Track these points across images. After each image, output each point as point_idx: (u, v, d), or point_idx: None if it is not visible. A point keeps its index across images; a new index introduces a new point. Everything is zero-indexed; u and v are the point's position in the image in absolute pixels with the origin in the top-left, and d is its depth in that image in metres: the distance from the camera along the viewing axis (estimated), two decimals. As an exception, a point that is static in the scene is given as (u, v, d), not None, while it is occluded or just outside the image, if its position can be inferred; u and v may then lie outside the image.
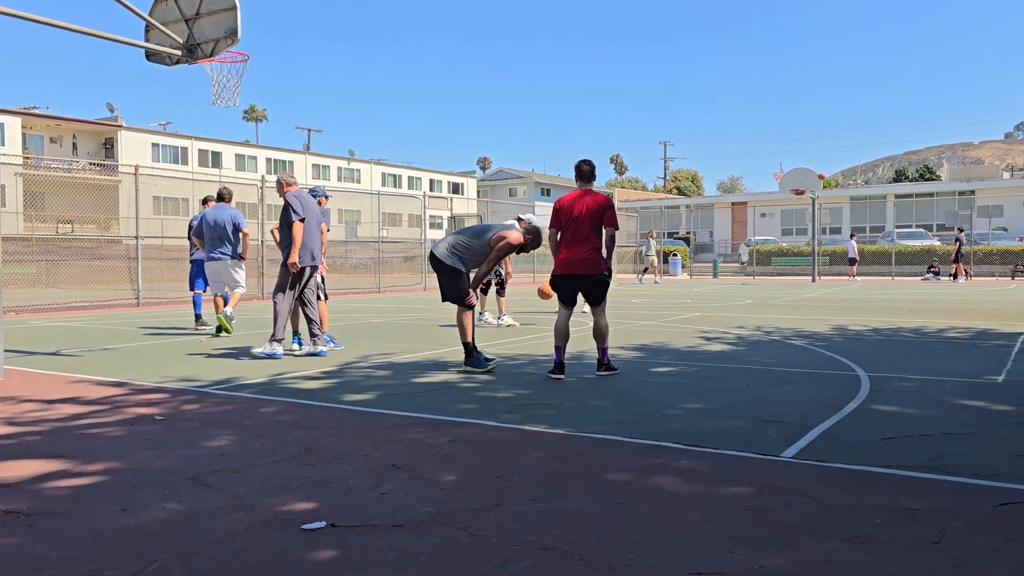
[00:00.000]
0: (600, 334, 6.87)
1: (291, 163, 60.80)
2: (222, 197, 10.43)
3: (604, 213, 6.75)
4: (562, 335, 6.86)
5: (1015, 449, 4.21)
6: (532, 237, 7.40)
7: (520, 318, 12.59)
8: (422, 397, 5.86)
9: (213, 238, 10.20)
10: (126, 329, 11.49)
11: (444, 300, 7.32)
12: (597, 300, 6.92)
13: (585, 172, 6.98)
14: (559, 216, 6.87)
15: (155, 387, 6.40)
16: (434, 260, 7.30)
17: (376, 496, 3.48)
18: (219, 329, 10.09)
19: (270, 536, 3.00)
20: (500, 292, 11.84)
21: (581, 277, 6.82)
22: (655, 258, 30.64)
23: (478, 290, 8.46)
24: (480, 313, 11.51)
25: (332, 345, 8.72)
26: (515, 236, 7.24)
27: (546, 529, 3.05)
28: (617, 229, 6.93)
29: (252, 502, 3.40)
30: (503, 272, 11.82)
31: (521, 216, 9.46)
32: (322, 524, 3.10)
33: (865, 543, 2.88)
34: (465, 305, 7.15)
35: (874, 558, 2.75)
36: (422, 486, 3.62)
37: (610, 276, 6.91)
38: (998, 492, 3.47)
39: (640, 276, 31.39)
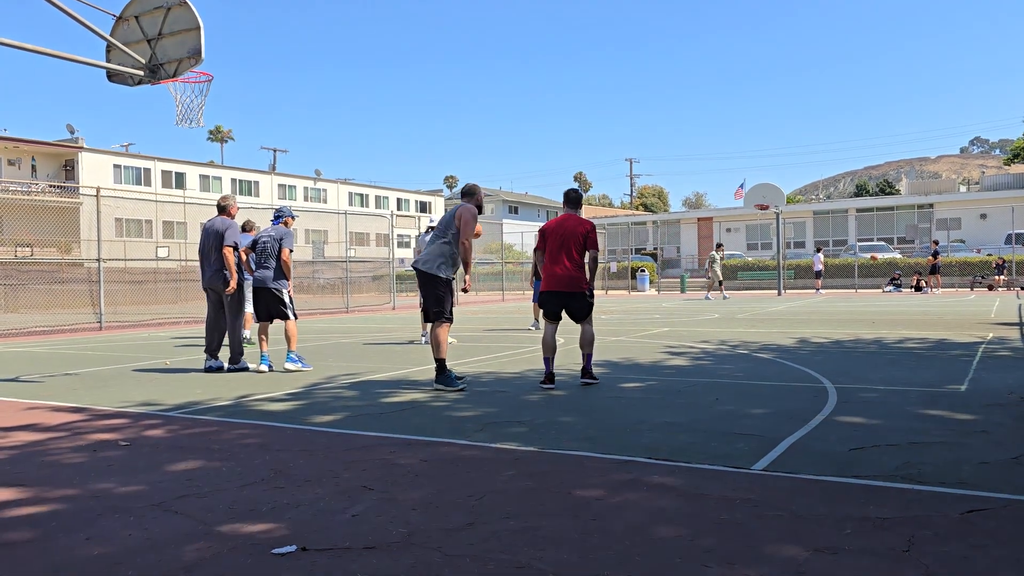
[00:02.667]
0: (586, 341, 7.28)
1: (257, 183, 60.35)
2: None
3: (587, 236, 7.22)
4: (549, 347, 7.25)
5: (980, 457, 4.27)
6: (477, 196, 7.79)
7: (490, 336, 12.58)
8: (392, 417, 5.81)
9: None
10: (87, 354, 11.27)
11: (425, 312, 7.72)
12: (581, 316, 7.31)
13: (572, 198, 7.52)
14: (544, 238, 7.35)
15: (118, 411, 6.28)
16: (419, 273, 7.48)
17: (347, 518, 3.43)
18: None
19: (239, 561, 2.94)
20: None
21: (565, 294, 7.22)
22: (719, 272, 28.22)
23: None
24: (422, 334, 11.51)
25: (300, 365, 8.66)
26: (468, 206, 7.66)
27: (520, 547, 3.03)
28: (599, 251, 7.45)
29: (220, 527, 3.33)
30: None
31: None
32: (292, 548, 3.05)
33: (836, 553, 2.90)
34: (445, 319, 7.28)
35: (845, 568, 2.77)
36: (394, 507, 3.58)
37: (591, 296, 7.29)
38: (965, 500, 3.51)
39: (708, 292, 28.84)
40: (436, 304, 7.29)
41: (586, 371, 7.27)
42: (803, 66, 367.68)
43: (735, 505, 3.50)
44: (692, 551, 2.96)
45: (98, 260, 16.91)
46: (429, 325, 12.20)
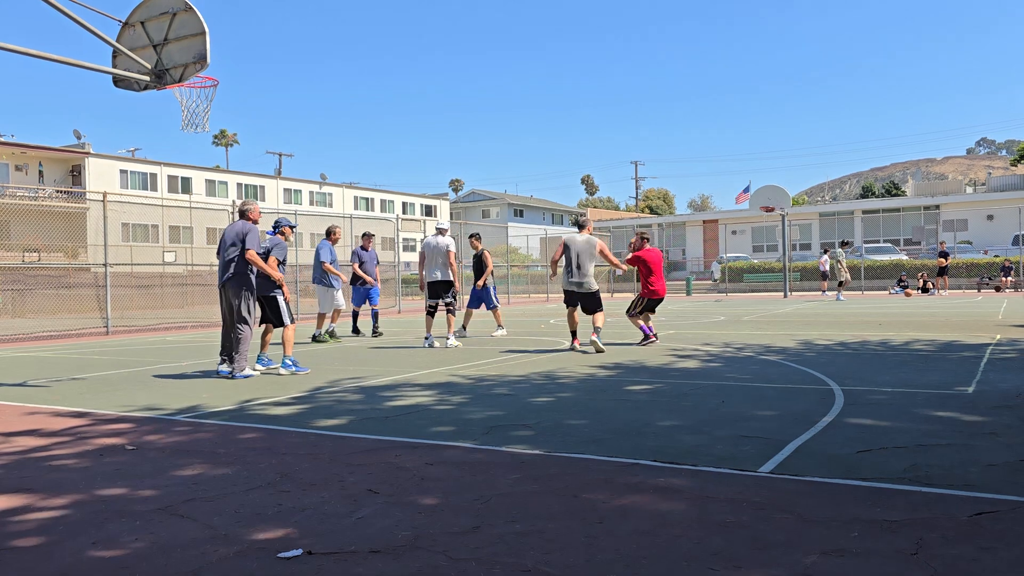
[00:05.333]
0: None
1: (262, 188, 60.50)
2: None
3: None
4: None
5: (987, 459, 4.25)
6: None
7: (496, 338, 12.61)
8: (397, 420, 5.81)
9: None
10: (95, 358, 11.31)
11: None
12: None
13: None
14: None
15: (125, 416, 6.29)
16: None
17: (353, 522, 3.43)
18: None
19: (246, 566, 2.94)
20: (451, 311, 11.67)
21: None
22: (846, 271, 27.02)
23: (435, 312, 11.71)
24: (446, 338, 11.76)
25: (294, 370, 8.73)
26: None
27: (525, 551, 3.03)
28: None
29: (227, 531, 3.33)
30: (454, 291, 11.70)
31: (439, 226, 11.72)
32: (299, 552, 3.05)
33: (844, 556, 2.89)
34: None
35: (853, 571, 2.75)
36: (399, 510, 3.58)
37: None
38: (972, 502, 3.50)
39: (839, 292, 27.25)
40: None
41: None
42: (808, 68, 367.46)
43: (742, 508, 3.49)
44: (699, 554, 2.95)
45: (105, 265, 16.96)
46: (433, 327, 12.40)
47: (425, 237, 14.23)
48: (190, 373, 9.10)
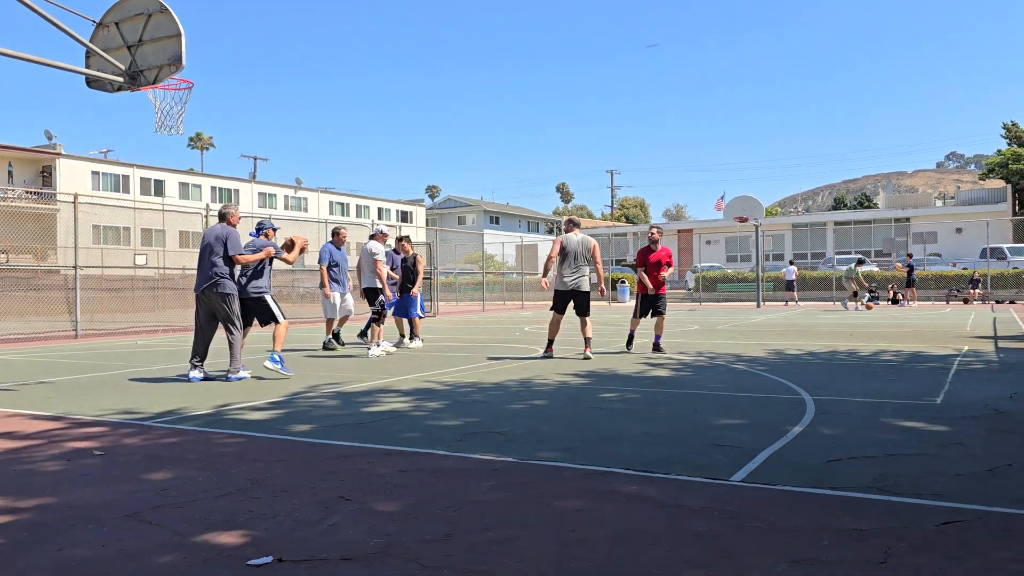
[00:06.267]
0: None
1: (237, 191, 59.99)
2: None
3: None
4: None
5: (955, 469, 4.31)
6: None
7: (471, 346, 12.56)
8: (371, 427, 5.78)
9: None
10: (63, 361, 11.14)
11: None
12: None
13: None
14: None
15: (94, 420, 6.20)
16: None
17: (324, 529, 3.41)
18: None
19: (215, 573, 2.91)
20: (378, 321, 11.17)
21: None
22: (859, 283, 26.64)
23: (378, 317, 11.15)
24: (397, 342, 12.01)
25: (280, 367, 8.70)
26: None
27: (498, 559, 3.02)
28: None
29: (196, 538, 3.30)
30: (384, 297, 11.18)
31: (382, 230, 11.79)
32: (269, 559, 3.02)
33: (814, 565, 2.91)
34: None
35: (823, 579, 2.78)
36: (371, 517, 3.56)
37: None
38: (940, 511, 3.54)
39: (860, 303, 26.90)
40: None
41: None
42: (782, 81, 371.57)
43: (714, 516, 3.51)
44: (671, 562, 2.97)
45: (75, 267, 16.73)
46: (408, 329, 12.32)
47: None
48: (162, 377, 8.99)
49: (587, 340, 10.46)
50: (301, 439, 5.39)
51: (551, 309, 10.79)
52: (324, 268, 12.20)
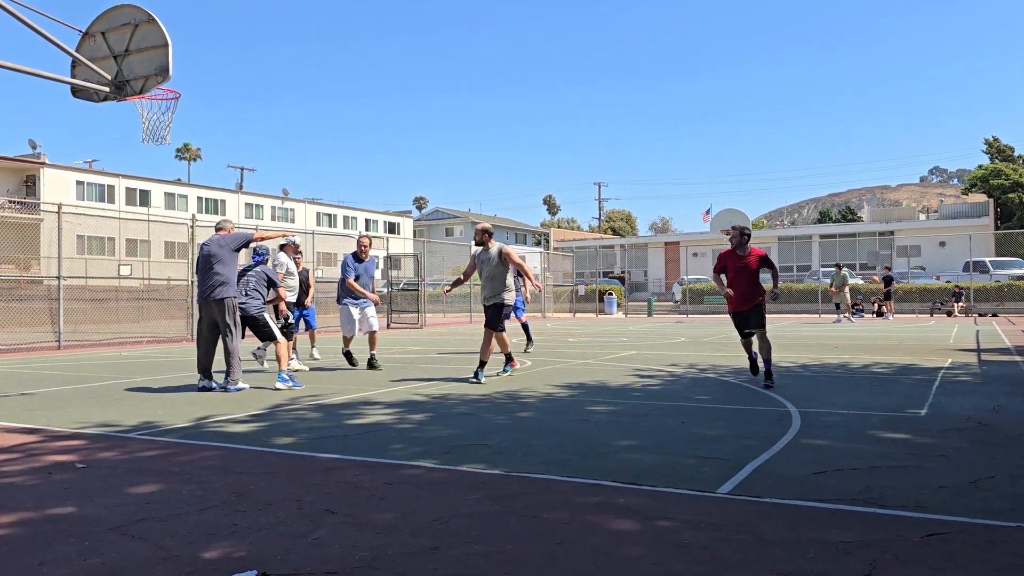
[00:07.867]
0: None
1: (223, 202, 59.78)
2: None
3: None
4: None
5: (939, 481, 4.34)
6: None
7: (458, 358, 12.53)
8: (356, 439, 5.76)
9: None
10: (45, 373, 11.03)
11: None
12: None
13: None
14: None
15: (75, 433, 6.14)
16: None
17: (309, 542, 3.38)
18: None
19: (197, 587, 2.88)
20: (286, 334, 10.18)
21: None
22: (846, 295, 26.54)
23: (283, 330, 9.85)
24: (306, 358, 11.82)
25: (291, 384, 8.80)
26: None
27: (485, 571, 3.01)
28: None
29: (179, 552, 3.26)
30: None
31: (294, 241, 11.73)
32: (253, 573, 3.00)
33: (799, 577, 2.92)
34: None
35: (808, 592, 2.78)
36: (357, 531, 3.54)
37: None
38: (924, 523, 3.56)
39: (848, 315, 27.10)
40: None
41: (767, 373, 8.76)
42: (767, 95, 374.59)
43: (700, 528, 3.51)
44: (657, 574, 2.96)
45: (58, 277, 16.61)
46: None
47: (388, 254, 13.45)
48: (145, 389, 8.92)
49: (481, 363, 9.34)
50: (285, 451, 5.35)
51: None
52: (352, 280, 10.75)
